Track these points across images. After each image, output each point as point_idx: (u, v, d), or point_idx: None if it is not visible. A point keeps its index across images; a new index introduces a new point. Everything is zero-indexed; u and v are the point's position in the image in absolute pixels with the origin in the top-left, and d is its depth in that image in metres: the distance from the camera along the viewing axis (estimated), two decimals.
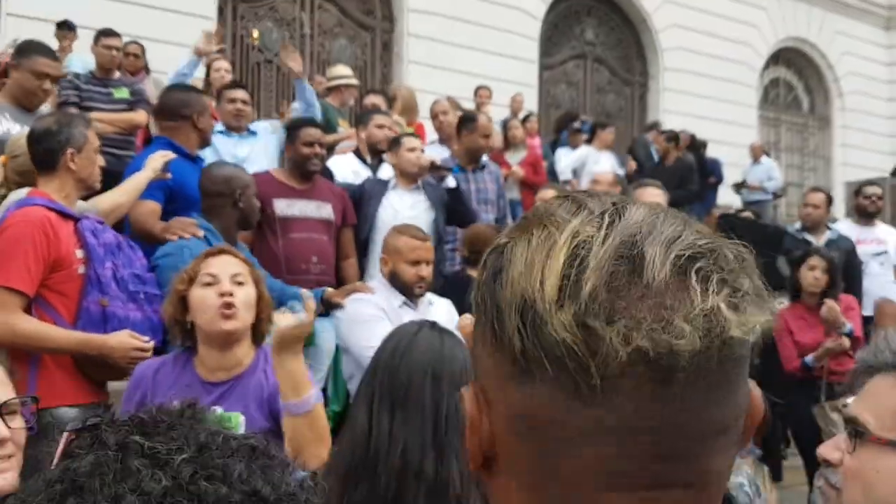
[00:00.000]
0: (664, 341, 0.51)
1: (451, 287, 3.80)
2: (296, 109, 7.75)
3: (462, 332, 2.93)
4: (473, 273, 3.97)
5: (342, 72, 6.97)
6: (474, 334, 0.61)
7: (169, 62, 6.83)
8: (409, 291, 3.29)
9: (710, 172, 10.05)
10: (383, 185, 4.41)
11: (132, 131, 5.47)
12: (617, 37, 13.89)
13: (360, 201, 4.31)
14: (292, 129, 4.17)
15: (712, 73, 13.94)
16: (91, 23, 6.89)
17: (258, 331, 2.31)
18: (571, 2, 13.29)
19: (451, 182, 4.50)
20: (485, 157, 5.39)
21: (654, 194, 4.19)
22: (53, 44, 6.98)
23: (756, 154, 11.46)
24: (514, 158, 7.03)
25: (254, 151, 4.64)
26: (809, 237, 5.83)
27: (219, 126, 4.75)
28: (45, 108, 3.91)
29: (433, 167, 4.35)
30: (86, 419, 0.67)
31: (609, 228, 0.54)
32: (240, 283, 2.26)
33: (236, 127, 4.76)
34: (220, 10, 10.31)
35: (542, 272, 0.53)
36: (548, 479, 0.56)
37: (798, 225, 6.12)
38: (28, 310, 2.57)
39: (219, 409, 2.19)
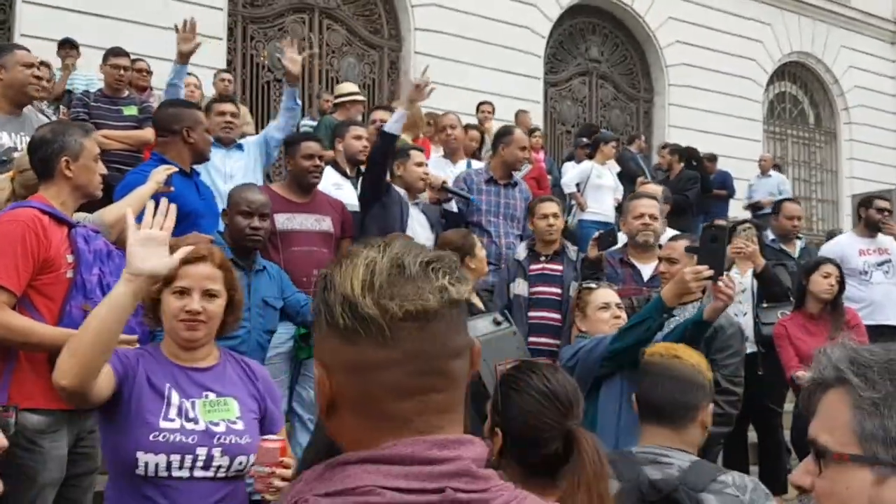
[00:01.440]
0: (420, 304, 0.93)
1: None
2: (304, 125, 7.87)
3: None
4: None
5: (349, 88, 7.08)
6: (315, 329, 1.00)
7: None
8: None
9: (720, 186, 10.13)
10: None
11: (141, 148, 5.56)
12: (622, 54, 14.00)
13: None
14: (292, 143, 4.21)
15: (717, 88, 14.01)
16: (101, 42, 7.03)
17: (222, 330, 2.33)
18: (576, 20, 13.41)
19: (453, 206, 4.53)
20: (517, 176, 5.46)
21: (649, 205, 4.27)
22: (56, 62, 7.15)
23: (765, 167, 11.49)
24: (520, 173, 7.08)
25: (240, 165, 4.60)
26: (784, 247, 5.98)
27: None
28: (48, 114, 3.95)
29: (443, 189, 4.37)
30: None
31: (384, 252, 0.96)
32: (212, 296, 2.24)
33: (225, 140, 4.70)
34: (230, 30, 10.47)
35: (351, 279, 0.94)
36: (364, 400, 0.94)
37: (771, 236, 6.19)
38: (14, 309, 2.56)
39: (212, 395, 2.23)
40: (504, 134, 5.41)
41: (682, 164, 8.53)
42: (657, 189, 5.67)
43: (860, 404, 1.06)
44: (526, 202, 5.20)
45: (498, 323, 3.32)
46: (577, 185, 7.87)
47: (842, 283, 4.82)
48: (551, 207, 4.68)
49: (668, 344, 2.54)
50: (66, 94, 6.79)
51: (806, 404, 1.15)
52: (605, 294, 3.44)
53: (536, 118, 11.67)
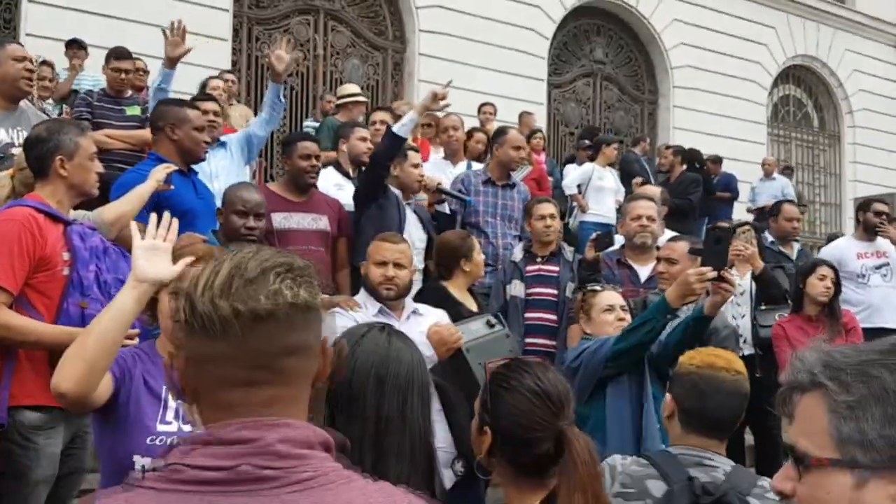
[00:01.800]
0: (252, 305, 1.03)
1: (428, 300, 3.76)
2: (307, 126, 7.89)
3: (430, 340, 3.02)
4: (447, 285, 4.02)
5: (351, 90, 7.10)
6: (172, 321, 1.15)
7: (184, 83, 6.98)
8: (376, 293, 3.27)
9: (724, 188, 10.13)
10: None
11: (143, 147, 5.58)
12: (626, 55, 14.00)
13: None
14: (289, 143, 4.23)
15: (722, 90, 14.00)
16: (106, 42, 7.04)
17: None
18: (580, 22, 13.42)
19: (445, 207, 4.55)
20: (515, 177, 5.46)
21: (647, 207, 4.30)
22: (63, 62, 7.19)
23: (769, 170, 11.48)
24: (520, 174, 7.10)
25: (224, 164, 4.58)
26: (783, 249, 6.00)
27: None
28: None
29: (438, 191, 4.39)
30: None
31: (230, 258, 1.08)
32: None
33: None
34: (235, 32, 10.51)
35: (196, 282, 1.07)
36: (200, 388, 1.06)
37: (770, 238, 6.20)
38: (11, 308, 2.57)
39: None
40: (498, 134, 5.42)
41: (685, 166, 8.53)
42: (655, 191, 5.68)
43: (836, 408, 1.05)
44: (524, 203, 5.20)
45: (491, 325, 3.32)
46: (579, 186, 7.89)
47: (838, 286, 4.83)
48: (548, 209, 4.68)
49: (711, 350, 2.51)
50: (73, 93, 6.80)
51: (781, 408, 1.15)
52: (610, 296, 3.47)
53: (540, 120, 11.66)
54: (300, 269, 1.10)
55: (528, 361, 1.94)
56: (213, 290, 1.07)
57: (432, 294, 3.90)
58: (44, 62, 5.79)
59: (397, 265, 3.28)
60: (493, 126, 7.70)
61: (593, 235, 4.54)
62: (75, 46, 6.87)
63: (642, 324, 3.05)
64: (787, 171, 12.39)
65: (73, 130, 2.80)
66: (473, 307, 3.91)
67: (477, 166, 5.96)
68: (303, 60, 10.75)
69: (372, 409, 1.62)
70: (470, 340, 3.15)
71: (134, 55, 6.21)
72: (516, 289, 4.53)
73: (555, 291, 4.54)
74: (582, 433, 1.76)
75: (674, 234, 4.72)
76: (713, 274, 2.92)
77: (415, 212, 4.59)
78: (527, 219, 4.81)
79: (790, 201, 6.84)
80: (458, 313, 3.61)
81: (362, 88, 11.24)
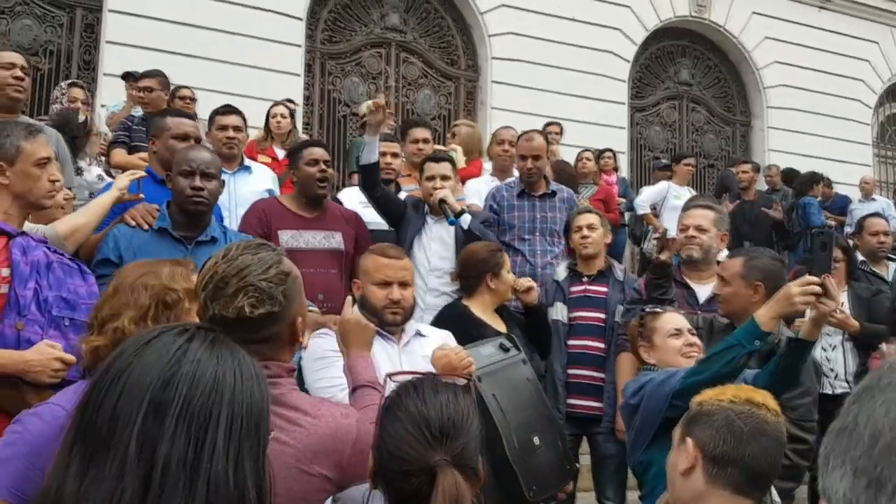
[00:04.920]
0: (226, 312, 1.70)
1: (446, 322, 3.34)
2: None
3: (436, 366, 2.59)
4: (470, 304, 3.58)
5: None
6: None
7: (259, 118, 6.91)
8: (380, 317, 2.78)
9: (839, 212, 9.45)
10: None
11: None
12: (715, 76, 13.33)
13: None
14: (295, 151, 3.89)
15: (821, 110, 13.12)
16: (186, 80, 7.07)
17: None
18: (664, 43, 12.88)
19: (459, 221, 4.15)
20: (556, 184, 4.92)
21: (698, 216, 3.76)
22: (123, 95, 7.24)
23: (868, 189, 10.55)
24: (586, 194, 6.67)
25: (251, 190, 4.22)
26: (875, 269, 5.36)
27: None
28: None
29: (442, 203, 3.97)
30: None
31: (220, 264, 1.73)
32: None
33: (228, 157, 4.27)
34: (308, 67, 10.52)
35: (200, 281, 1.75)
36: None
37: (860, 258, 5.48)
38: None
39: None
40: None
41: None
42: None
43: None
44: (569, 211, 4.64)
45: (505, 349, 2.86)
46: (654, 207, 7.34)
47: None
48: (587, 219, 4.15)
49: (742, 385, 2.09)
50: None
51: None
52: (675, 318, 2.94)
53: (621, 144, 11.26)
54: (266, 292, 1.72)
55: (427, 378, 1.60)
56: (206, 292, 1.72)
57: (449, 312, 3.48)
58: (72, 83, 5.76)
59: (402, 284, 2.85)
60: (559, 149, 7.30)
61: (657, 233, 3.94)
62: (131, 79, 6.88)
63: (722, 351, 2.49)
64: None
65: (18, 133, 2.53)
66: (501, 329, 3.46)
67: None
68: (374, 93, 10.65)
69: (135, 455, 1.03)
70: (482, 367, 2.71)
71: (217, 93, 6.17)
72: (559, 312, 4.01)
73: (602, 315, 3.99)
74: (460, 475, 1.42)
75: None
76: (817, 287, 2.44)
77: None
78: (567, 233, 4.32)
79: (875, 214, 6.08)
80: (480, 336, 3.15)
81: (433, 119, 11.10)
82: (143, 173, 3.21)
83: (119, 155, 5.13)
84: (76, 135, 4.67)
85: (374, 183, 4.09)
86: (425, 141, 5.16)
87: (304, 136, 7.87)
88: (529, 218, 4.58)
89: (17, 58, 3.63)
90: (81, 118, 5.10)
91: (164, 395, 1.06)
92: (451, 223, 3.89)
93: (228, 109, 4.45)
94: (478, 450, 1.52)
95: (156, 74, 5.75)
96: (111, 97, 8.15)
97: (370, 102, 4.02)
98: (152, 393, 1.06)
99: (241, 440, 1.08)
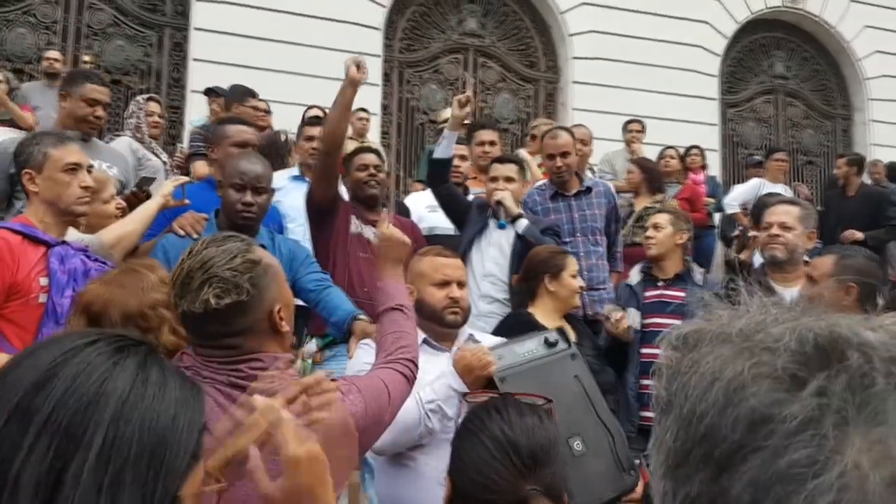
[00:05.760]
0: (194, 307, 1.62)
1: (510, 329, 3.11)
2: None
3: (455, 369, 2.41)
4: (532, 310, 3.37)
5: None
6: None
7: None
8: (439, 319, 2.65)
9: None
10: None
11: None
12: (812, 68, 12.65)
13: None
14: (348, 158, 3.88)
15: None
16: (268, 94, 7.17)
17: None
18: (756, 36, 12.32)
19: (514, 225, 3.95)
20: (591, 178, 4.69)
21: (781, 212, 3.46)
22: (205, 109, 7.39)
23: None
24: (670, 192, 6.35)
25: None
26: None
27: (294, 171, 4.54)
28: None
29: (499, 205, 3.82)
30: None
31: (186, 260, 1.67)
32: None
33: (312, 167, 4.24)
34: (386, 76, 10.53)
35: (172, 286, 1.69)
36: None
37: None
38: None
39: None
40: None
41: (860, 180, 7.29)
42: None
43: None
44: (608, 206, 4.40)
45: (551, 344, 2.62)
46: (745, 206, 6.94)
47: None
48: (654, 218, 3.96)
49: None
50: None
51: None
52: None
53: (713, 141, 10.84)
54: (231, 281, 1.63)
55: (510, 399, 1.45)
56: (175, 294, 1.67)
57: (513, 320, 3.30)
58: (150, 98, 5.85)
59: (460, 284, 2.72)
60: (640, 148, 6.99)
61: (736, 231, 3.68)
62: (213, 94, 7.00)
63: None
64: None
65: (48, 140, 2.52)
66: (570, 336, 3.24)
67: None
68: (455, 94, 10.58)
69: None
70: (508, 367, 2.48)
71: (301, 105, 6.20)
72: (632, 318, 3.74)
73: (678, 322, 3.74)
74: None
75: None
76: None
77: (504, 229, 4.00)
78: None
79: None
80: None
81: (513, 122, 10.92)
82: (184, 179, 3.19)
83: (202, 167, 5.19)
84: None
85: (443, 179, 4.01)
86: (492, 143, 5.00)
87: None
88: (567, 219, 4.32)
89: (101, 94, 3.65)
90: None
91: (35, 399, 0.85)
92: (501, 226, 3.73)
93: (316, 121, 4.48)
94: (565, 479, 1.40)
95: (252, 93, 5.85)
96: (198, 113, 8.35)
97: (461, 96, 3.97)
98: (23, 394, 0.86)
99: (120, 470, 0.83)
